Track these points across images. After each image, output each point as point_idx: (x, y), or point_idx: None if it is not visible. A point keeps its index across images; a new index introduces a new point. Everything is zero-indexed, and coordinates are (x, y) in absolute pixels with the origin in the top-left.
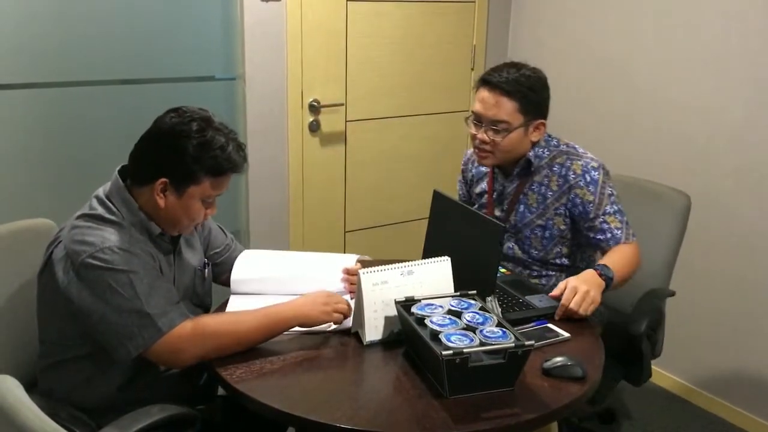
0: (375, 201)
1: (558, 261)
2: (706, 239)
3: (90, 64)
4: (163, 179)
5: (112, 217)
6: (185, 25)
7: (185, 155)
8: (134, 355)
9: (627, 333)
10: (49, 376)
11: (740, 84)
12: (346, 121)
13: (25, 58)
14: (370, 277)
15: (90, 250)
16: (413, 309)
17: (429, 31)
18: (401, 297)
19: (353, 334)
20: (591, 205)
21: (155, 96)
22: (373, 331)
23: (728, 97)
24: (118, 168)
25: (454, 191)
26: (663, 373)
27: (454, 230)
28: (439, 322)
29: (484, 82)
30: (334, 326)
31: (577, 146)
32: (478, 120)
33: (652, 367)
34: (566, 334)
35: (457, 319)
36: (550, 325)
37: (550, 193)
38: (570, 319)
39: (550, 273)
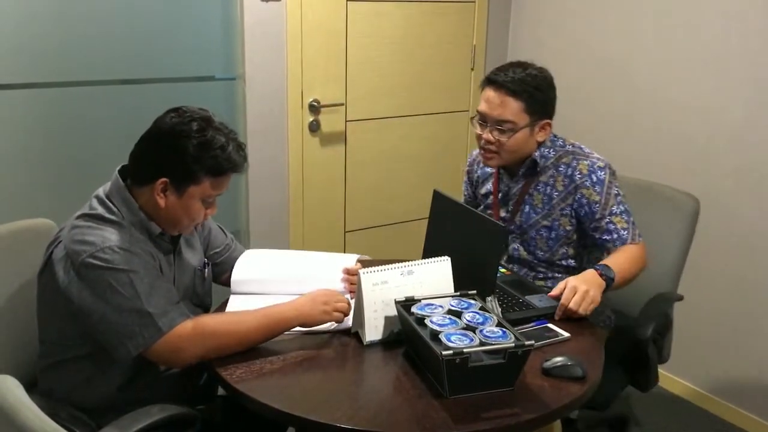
0: (375, 201)
1: (564, 262)
2: (706, 239)
3: (90, 64)
4: (164, 179)
5: (112, 217)
6: (185, 25)
7: (185, 155)
8: (134, 355)
9: (633, 338)
10: (49, 376)
11: (740, 84)
12: (346, 121)
13: (25, 58)
14: (370, 277)
15: (90, 249)
16: (413, 309)
17: (429, 31)
18: (401, 297)
19: (353, 334)
20: (597, 205)
21: (155, 96)
22: (373, 331)
23: (728, 97)
24: (118, 168)
25: (454, 191)
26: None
27: (454, 230)
28: (439, 322)
29: (490, 81)
30: (334, 326)
31: (583, 146)
32: (484, 120)
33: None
34: (566, 334)
35: (457, 319)
36: (550, 325)
37: (556, 193)
38: (570, 319)
39: (557, 275)
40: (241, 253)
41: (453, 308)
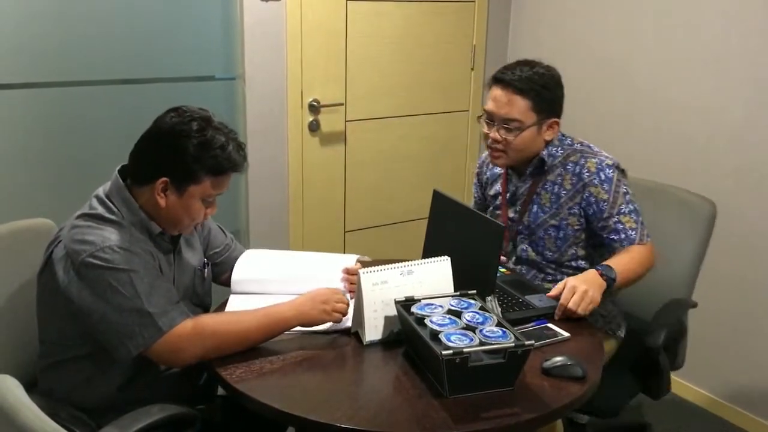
0: (375, 201)
1: (574, 263)
2: None
3: (90, 64)
4: (164, 179)
5: (112, 217)
6: (185, 25)
7: (186, 155)
8: (134, 354)
9: (645, 345)
10: (49, 376)
11: (740, 84)
12: (345, 121)
13: (25, 58)
14: (369, 277)
15: (90, 249)
16: (413, 309)
17: (429, 30)
18: (401, 297)
19: (353, 334)
20: (605, 203)
21: (155, 96)
22: (373, 331)
23: (728, 97)
24: (118, 168)
25: (453, 191)
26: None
27: (454, 230)
28: (439, 322)
29: (497, 80)
30: (334, 326)
31: (592, 145)
32: (491, 119)
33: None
34: (566, 334)
35: (457, 319)
36: (550, 325)
37: (564, 192)
38: (569, 319)
39: (566, 276)
40: (241, 253)
41: (453, 308)
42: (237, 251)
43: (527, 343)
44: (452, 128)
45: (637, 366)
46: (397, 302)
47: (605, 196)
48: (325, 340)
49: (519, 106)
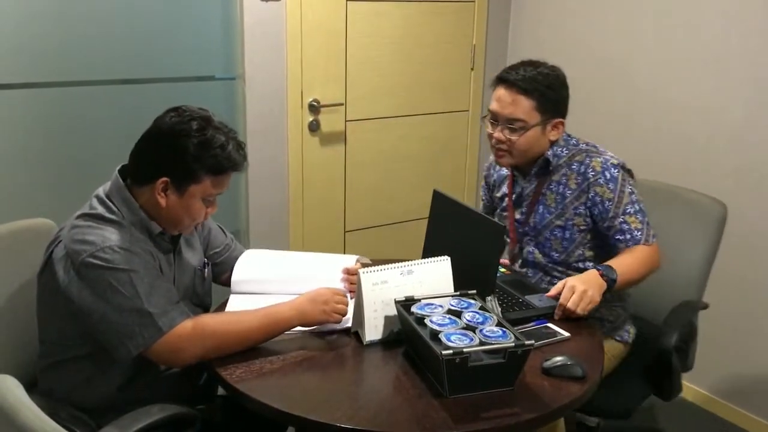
0: (375, 201)
1: (581, 265)
2: None
3: (90, 64)
4: (164, 178)
5: (112, 217)
6: (185, 25)
7: (186, 154)
8: (134, 354)
9: (657, 347)
10: (49, 376)
11: (740, 84)
12: (345, 121)
13: (25, 58)
14: (369, 277)
15: (90, 249)
16: (413, 308)
17: (429, 30)
18: (401, 296)
19: (353, 334)
20: (610, 203)
21: (155, 96)
22: (373, 331)
23: (728, 97)
24: (118, 167)
25: (453, 191)
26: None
27: (454, 230)
28: (439, 322)
29: (501, 80)
30: (334, 325)
31: (598, 145)
32: (495, 119)
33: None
34: (566, 334)
35: (457, 319)
36: (550, 325)
37: (569, 191)
38: (569, 319)
39: None
40: (241, 252)
41: (453, 308)
42: (237, 251)
43: (527, 342)
44: (452, 128)
45: (649, 368)
46: (397, 302)
47: (610, 196)
48: (325, 340)
49: (523, 106)
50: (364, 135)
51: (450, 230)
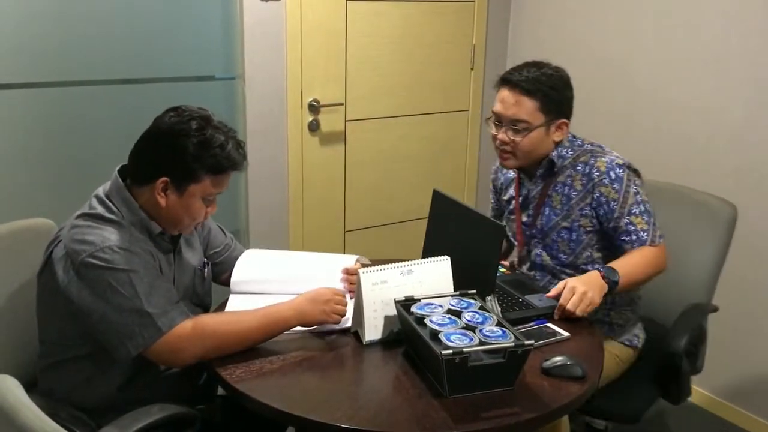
0: (374, 201)
1: (590, 267)
2: None
3: (90, 64)
4: (164, 178)
5: (112, 217)
6: (185, 25)
7: (185, 154)
8: (134, 355)
9: (666, 350)
10: (49, 376)
11: (740, 84)
12: (345, 121)
13: (25, 58)
14: (369, 277)
15: (90, 249)
16: (413, 308)
17: (428, 30)
18: (401, 296)
19: (353, 334)
20: (615, 203)
21: (155, 96)
22: (373, 331)
23: (728, 97)
24: (117, 167)
25: (453, 191)
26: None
27: (454, 230)
28: (439, 322)
29: (504, 81)
30: (333, 326)
31: (603, 146)
32: (499, 120)
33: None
34: (566, 334)
35: (457, 319)
36: (550, 325)
37: (574, 192)
38: (569, 319)
39: None
40: (241, 252)
41: (453, 308)
42: (237, 251)
43: (527, 342)
44: (452, 128)
45: (658, 371)
46: (396, 302)
47: (615, 196)
48: (324, 340)
49: (526, 107)
50: (364, 135)
51: (450, 230)
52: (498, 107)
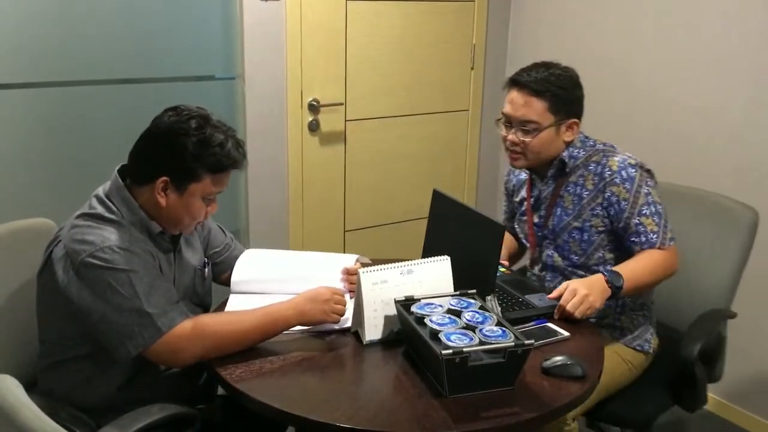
0: (374, 201)
1: (601, 268)
2: None
3: (90, 63)
4: (164, 178)
5: (112, 216)
6: (185, 25)
7: (185, 153)
8: (134, 355)
9: (679, 356)
10: (49, 376)
11: (740, 84)
12: (345, 121)
13: (25, 58)
14: (369, 277)
15: (90, 249)
16: (413, 308)
17: (428, 30)
18: (401, 296)
19: (353, 334)
20: (626, 203)
21: (155, 95)
22: (373, 331)
23: (728, 97)
24: (117, 167)
25: (453, 191)
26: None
27: (454, 229)
28: (439, 322)
29: (513, 82)
30: (333, 325)
31: (615, 146)
32: (509, 121)
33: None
34: (566, 334)
35: (457, 319)
36: (550, 325)
37: (586, 192)
38: (569, 320)
39: None
40: (241, 252)
41: (453, 307)
42: (237, 251)
43: (527, 342)
44: (452, 128)
45: (671, 378)
46: (396, 302)
47: (626, 196)
48: (324, 340)
49: (536, 108)
50: (364, 135)
51: (450, 230)
52: (507, 108)
